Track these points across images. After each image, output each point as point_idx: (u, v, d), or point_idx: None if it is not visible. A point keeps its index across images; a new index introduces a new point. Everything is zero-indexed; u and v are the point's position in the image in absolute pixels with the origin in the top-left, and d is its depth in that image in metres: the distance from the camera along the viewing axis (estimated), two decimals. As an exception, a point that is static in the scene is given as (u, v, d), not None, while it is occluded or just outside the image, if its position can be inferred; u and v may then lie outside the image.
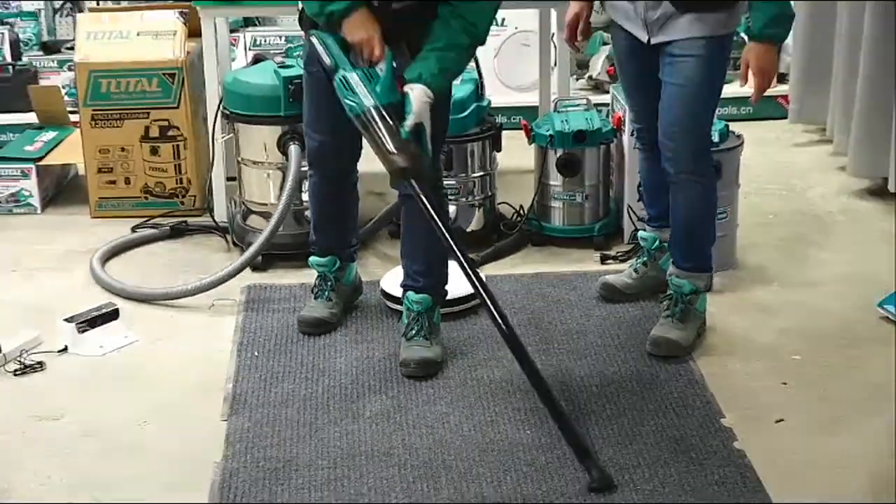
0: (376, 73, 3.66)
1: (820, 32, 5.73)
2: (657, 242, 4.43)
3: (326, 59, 3.73)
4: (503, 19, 6.23)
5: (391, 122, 3.60)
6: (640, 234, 4.55)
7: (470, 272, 3.64)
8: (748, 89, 6.29)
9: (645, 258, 4.49)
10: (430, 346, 4.02)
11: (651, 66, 4.08)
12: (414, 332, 4.03)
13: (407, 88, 3.64)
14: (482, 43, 3.80)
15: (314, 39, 3.80)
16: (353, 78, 3.65)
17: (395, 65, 3.67)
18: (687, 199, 4.10)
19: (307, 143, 4.18)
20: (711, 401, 3.74)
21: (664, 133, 4.06)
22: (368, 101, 3.62)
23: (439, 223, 3.66)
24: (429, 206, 3.65)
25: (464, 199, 4.85)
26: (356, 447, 3.54)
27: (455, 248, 3.67)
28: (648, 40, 4.01)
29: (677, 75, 3.99)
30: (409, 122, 3.61)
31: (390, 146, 3.59)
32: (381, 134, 3.60)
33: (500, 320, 3.57)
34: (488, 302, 3.62)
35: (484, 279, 3.72)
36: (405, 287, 4.12)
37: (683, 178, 4.07)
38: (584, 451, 3.41)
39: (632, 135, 4.63)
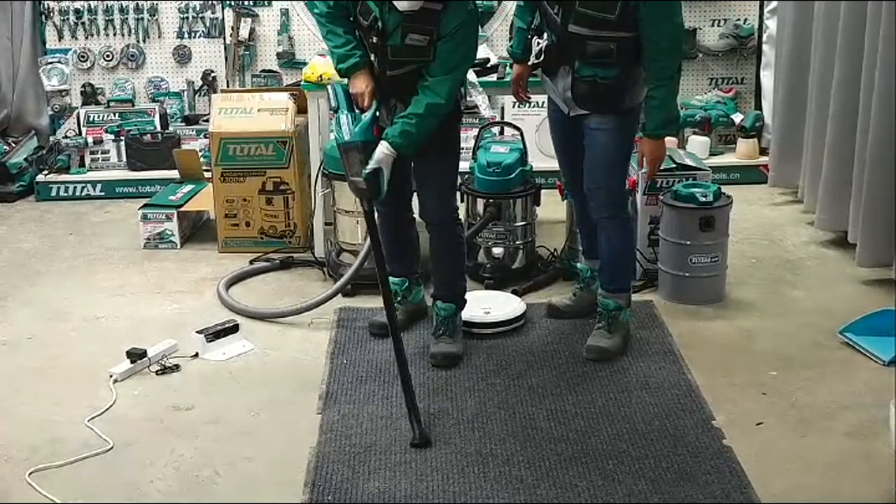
0: (360, 117, 3.82)
1: (793, 116, 5.68)
2: (590, 272, 4.38)
3: (332, 101, 3.89)
4: (543, 102, 6.17)
5: (359, 155, 3.74)
6: (578, 265, 4.51)
7: (383, 282, 3.82)
8: (737, 159, 6.23)
9: (581, 284, 4.45)
10: (453, 343, 4.07)
11: (573, 133, 4.07)
12: (441, 331, 4.09)
13: (380, 143, 3.79)
14: (442, 113, 3.82)
15: (329, 87, 3.98)
16: (343, 118, 3.83)
17: (377, 114, 3.82)
18: (609, 236, 4.10)
19: None
20: (704, 406, 3.68)
21: (588, 189, 4.06)
22: (347, 136, 3.79)
23: (376, 237, 3.84)
24: (370, 222, 3.82)
25: (510, 243, 4.80)
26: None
27: (380, 264, 3.82)
28: (568, 113, 4.01)
29: (595, 144, 3.97)
30: (370, 166, 3.74)
31: (352, 172, 3.78)
32: (348, 162, 3.78)
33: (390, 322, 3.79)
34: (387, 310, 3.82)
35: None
36: (434, 297, 4.16)
37: (605, 221, 4.07)
38: (414, 412, 3.54)
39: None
